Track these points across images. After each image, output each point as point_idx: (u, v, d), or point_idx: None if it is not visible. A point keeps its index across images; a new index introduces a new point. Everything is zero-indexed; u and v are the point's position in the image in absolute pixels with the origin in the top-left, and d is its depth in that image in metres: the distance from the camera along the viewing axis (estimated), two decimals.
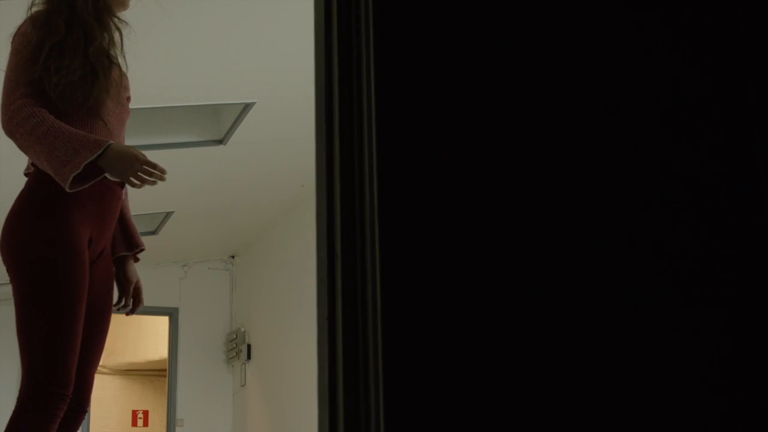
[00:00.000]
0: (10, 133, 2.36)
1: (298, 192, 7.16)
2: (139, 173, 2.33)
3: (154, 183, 2.37)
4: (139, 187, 2.37)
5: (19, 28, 2.47)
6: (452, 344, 1.08)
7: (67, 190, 2.29)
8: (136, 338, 10.95)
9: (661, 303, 1.15)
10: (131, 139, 5.56)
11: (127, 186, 2.48)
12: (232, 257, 9.21)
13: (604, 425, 1.10)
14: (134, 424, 11.12)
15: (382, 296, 1.08)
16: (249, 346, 8.64)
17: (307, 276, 7.02)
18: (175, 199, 7.12)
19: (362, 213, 1.13)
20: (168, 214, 7.46)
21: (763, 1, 1.25)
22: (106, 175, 2.37)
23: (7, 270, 2.35)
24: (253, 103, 5.59)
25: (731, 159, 1.20)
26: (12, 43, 2.46)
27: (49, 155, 2.29)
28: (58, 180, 2.29)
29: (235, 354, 8.81)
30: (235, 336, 8.83)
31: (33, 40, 2.41)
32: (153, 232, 7.77)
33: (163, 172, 2.38)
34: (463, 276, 1.10)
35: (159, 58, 4.74)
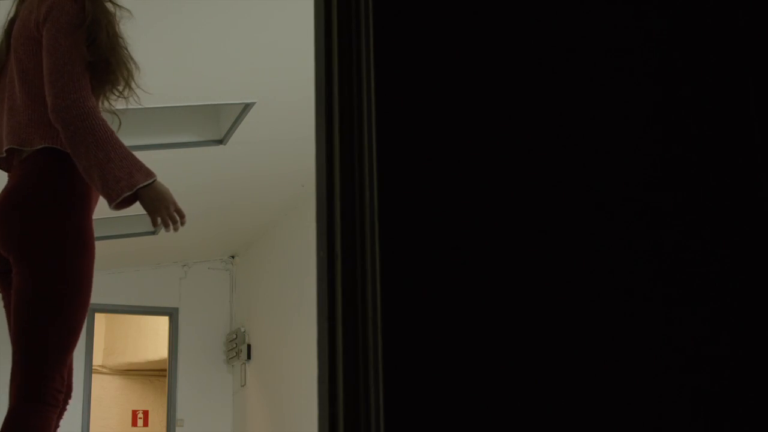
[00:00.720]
0: (65, 121, 2.27)
1: (298, 192, 7.16)
2: (164, 217, 2.36)
3: (168, 230, 2.39)
4: (157, 228, 2.39)
5: (61, 4, 2.35)
6: (452, 344, 1.08)
7: (111, 207, 2.28)
8: (136, 338, 10.95)
9: (661, 303, 1.15)
10: (132, 138, 5.57)
11: None
12: (232, 257, 9.22)
13: (604, 426, 1.10)
14: (134, 424, 11.12)
15: (382, 296, 1.08)
16: (249, 346, 8.64)
17: (307, 276, 7.02)
18: (175, 199, 7.10)
19: (362, 213, 1.13)
20: None
21: (763, 1, 1.25)
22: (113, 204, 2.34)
23: (25, 261, 2.26)
24: (253, 103, 5.59)
25: (731, 159, 1.20)
26: (60, 16, 2.33)
27: (103, 165, 2.26)
28: (103, 191, 2.26)
29: (235, 354, 8.81)
30: (235, 336, 8.83)
31: (89, 18, 2.35)
32: (153, 232, 7.77)
33: (183, 224, 2.41)
34: (463, 276, 1.10)
35: (159, 58, 4.74)
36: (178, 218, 2.38)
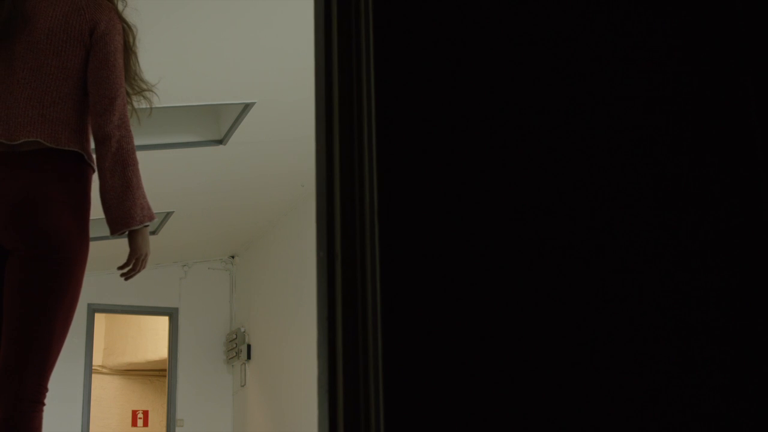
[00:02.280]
0: (115, 138, 2.39)
1: (298, 192, 7.16)
2: (141, 260, 2.47)
3: (127, 276, 2.50)
4: (125, 266, 2.48)
5: (114, 22, 2.45)
6: (452, 344, 1.08)
7: (117, 231, 2.39)
8: (135, 338, 10.95)
9: (661, 304, 1.15)
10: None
11: None
12: (232, 257, 9.22)
13: (604, 427, 1.10)
14: (134, 424, 11.12)
15: (382, 296, 1.08)
16: (249, 346, 8.65)
17: (307, 276, 7.03)
18: (175, 199, 7.13)
19: (362, 213, 1.13)
20: (168, 214, 7.47)
21: (763, 1, 1.25)
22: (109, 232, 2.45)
23: (42, 258, 2.27)
24: (253, 103, 5.59)
25: (732, 160, 1.20)
26: (115, 35, 2.44)
27: (135, 189, 2.39)
28: (127, 214, 2.37)
29: (235, 354, 8.81)
30: (235, 336, 8.83)
31: (128, 45, 2.49)
32: (153, 233, 7.77)
33: (138, 272, 2.54)
34: (464, 276, 1.10)
35: (158, 58, 4.73)
36: (140, 267, 2.51)
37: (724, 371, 1.14)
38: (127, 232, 2.42)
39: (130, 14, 2.56)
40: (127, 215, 2.38)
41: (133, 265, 2.47)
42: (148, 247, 2.47)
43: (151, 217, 2.43)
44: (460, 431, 1.06)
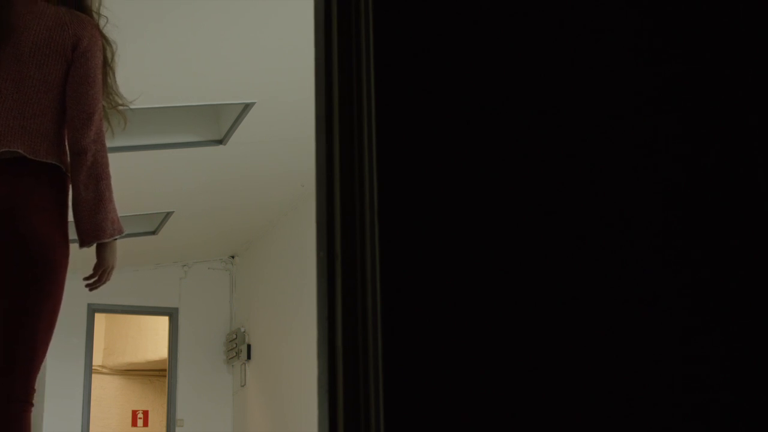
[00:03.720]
0: (91, 152, 2.42)
1: (298, 192, 7.16)
2: (107, 272, 2.54)
3: (91, 287, 2.56)
4: (90, 277, 2.54)
5: (96, 39, 2.49)
6: (452, 344, 1.08)
7: (86, 243, 2.44)
8: (135, 338, 10.95)
9: (662, 305, 1.15)
10: (132, 139, 5.58)
11: None
12: (232, 257, 9.22)
13: (605, 427, 1.10)
14: (134, 424, 11.12)
15: (382, 296, 1.08)
16: (249, 346, 8.65)
17: (307, 276, 7.02)
18: (175, 199, 7.13)
19: (362, 213, 1.13)
20: (168, 214, 7.47)
21: (763, 1, 1.25)
22: (79, 243, 2.49)
23: (30, 267, 2.32)
24: (253, 103, 5.59)
25: (732, 160, 1.20)
26: (96, 51, 2.49)
27: (107, 203, 2.44)
28: (99, 226, 2.43)
29: (235, 354, 8.81)
30: (235, 336, 8.83)
31: (107, 61, 2.54)
32: (153, 232, 7.77)
33: (103, 284, 2.60)
34: (464, 275, 1.10)
35: (158, 58, 4.74)
36: (106, 279, 2.57)
37: (725, 371, 1.14)
38: (95, 244, 2.48)
39: (111, 30, 2.59)
40: (98, 228, 2.43)
41: (99, 277, 2.52)
42: (114, 259, 2.53)
43: (120, 231, 2.48)
44: (460, 431, 1.06)
